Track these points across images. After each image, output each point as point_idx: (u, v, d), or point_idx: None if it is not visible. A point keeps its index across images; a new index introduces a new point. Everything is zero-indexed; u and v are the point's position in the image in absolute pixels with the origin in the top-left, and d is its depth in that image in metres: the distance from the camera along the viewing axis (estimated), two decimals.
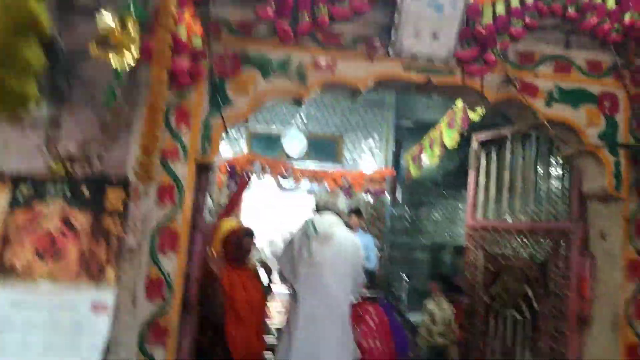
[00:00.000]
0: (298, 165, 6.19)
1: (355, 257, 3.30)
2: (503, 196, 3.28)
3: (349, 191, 6.25)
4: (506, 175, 3.28)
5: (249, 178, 6.05)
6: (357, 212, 5.60)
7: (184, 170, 2.10)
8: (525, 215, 3.10)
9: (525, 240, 3.01)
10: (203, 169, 2.26)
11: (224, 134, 2.21)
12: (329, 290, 3.21)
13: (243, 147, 6.33)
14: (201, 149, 2.13)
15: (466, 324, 3.67)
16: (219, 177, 6.02)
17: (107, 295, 1.96)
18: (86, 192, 2.02)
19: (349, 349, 3.32)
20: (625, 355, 2.32)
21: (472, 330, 3.35)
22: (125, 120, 2.06)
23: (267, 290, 3.33)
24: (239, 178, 6.08)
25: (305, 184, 6.32)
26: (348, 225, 5.09)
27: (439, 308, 4.82)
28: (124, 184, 2.03)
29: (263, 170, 6.15)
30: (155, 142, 1.58)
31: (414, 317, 7.52)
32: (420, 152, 5.16)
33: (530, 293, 2.91)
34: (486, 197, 3.46)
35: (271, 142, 6.38)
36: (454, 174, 9.06)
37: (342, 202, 3.46)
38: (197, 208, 2.27)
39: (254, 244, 3.23)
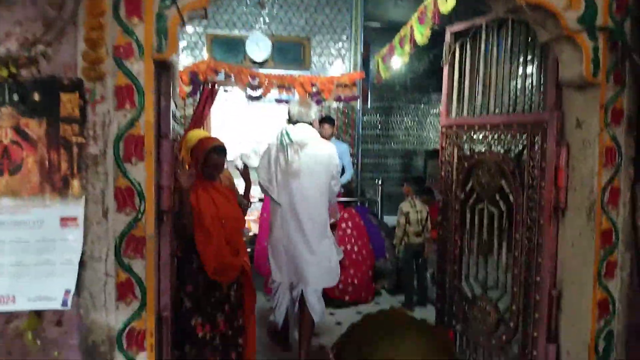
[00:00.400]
0: (264, 72, 5.94)
1: (330, 164, 3.41)
2: (478, 91, 3.20)
3: (318, 98, 6.07)
4: (481, 68, 3.18)
5: (214, 87, 5.79)
6: (328, 120, 5.49)
7: (141, 69, 1.91)
8: (500, 109, 3.05)
9: (500, 135, 2.98)
10: (163, 68, 2.07)
11: (181, 29, 2.00)
12: (307, 196, 3.26)
13: (204, 53, 5.99)
14: (157, 45, 1.92)
15: (441, 221, 3.75)
16: (181, 87, 5.74)
17: (75, 209, 1.85)
18: (37, 98, 1.83)
19: (333, 250, 3.46)
20: (600, 241, 2.39)
21: (447, 227, 3.41)
22: (71, 14, 1.82)
23: (243, 204, 3.18)
24: (202, 87, 5.82)
25: (274, 93, 6.11)
26: (321, 134, 5.07)
27: (414, 209, 4.91)
28: (78, 87, 1.84)
29: (228, 78, 5.88)
30: (102, 33, 1.40)
31: (389, 221, 7.77)
32: (391, 52, 4.97)
33: (505, 186, 2.93)
34: (461, 93, 3.37)
35: (233, 47, 6.05)
36: (423, 77, 8.93)
37: (315, 112, 3.51)
38: (161, 113, 2.12)
39: (225, 160, 3.01)
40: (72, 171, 1.84)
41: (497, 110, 3.06)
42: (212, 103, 5.81)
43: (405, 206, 4.93)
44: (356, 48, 6.25)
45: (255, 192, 4.03)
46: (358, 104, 6.33)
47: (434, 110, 8.96)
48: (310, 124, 3.45)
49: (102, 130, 1.90)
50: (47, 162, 1.83)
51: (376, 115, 8.81)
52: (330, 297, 4.40)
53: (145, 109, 1.93)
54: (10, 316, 1.88)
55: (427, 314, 4.64)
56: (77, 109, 1.84)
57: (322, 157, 3.37)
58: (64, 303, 1.77)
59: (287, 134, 3.33)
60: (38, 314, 1.88)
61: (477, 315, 3.17)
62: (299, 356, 3.37)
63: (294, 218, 3.27)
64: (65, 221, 1.83)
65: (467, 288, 3.25)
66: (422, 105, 8.99)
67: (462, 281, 3.30)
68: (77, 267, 1.82)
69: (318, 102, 6.08)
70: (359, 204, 5.76)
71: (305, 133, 3.35)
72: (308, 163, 3.30)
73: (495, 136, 3.01)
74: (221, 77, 5.83)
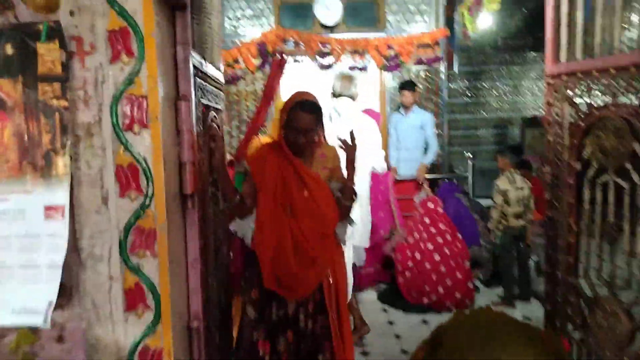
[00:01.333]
0: (335, 37, 5.34)
1: (374, 135, 3.58)
2: (597, 22, 2.37)
3: (396, 62, 5.38)
4: None
5: (283, 58, 5.31)
6: (408, 85, 4.83)
7: (138, 5, 1.42)
8: (630, 45, 2.23)
9: (631, 81, 2.17)
10: (177, 8, 1.58)
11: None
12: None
13: (271, 21, 5.50)
14: None
15: (550, 200, 2.99)
16: (249, 60, 5.32)
17: (60, 194, 1.41)
18: (10, 51, 1.40)
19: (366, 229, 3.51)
20: None
21: (558, 206, 2.66)
22: None
23: (342, 202, 2.27)
24: (272, 59, 5.35)
25: (347, 60, 5.50)
26: (402, 103, 4.46)
27: (513, 186, 4.11)
28: (57, 33, 1.39)
29: (297, 47, 5.36)
30: None
31: (483, 202, 6.93)
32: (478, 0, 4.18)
33: (639, 150, 2.14)
34: (572, 29, 2.55)
35: (302, 13, 5.50)
36: (517, 34, 7.85)
37: (355, 85, 3.57)
38: (178, 67, 1.63)
39: (316, 123, 2.19)
40: (55, 145, 1.40)
41: (625, 47, 2.24)
42: (281, 75, 5.35)
43: (502, 183, 4.13)
44: (437, 1, 5.44)
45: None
46: (442, 68, 5.54)
47: (532, 72, 7.87)
48: (352, 97, 3.55)
49: (95, 91, 1.44)
50: (26, 135, 1.41)
51: (464, 81, 7.89)
52: (422, 304, 3.86)
53: (147, 60, 1.44)
54: (3, 329, 1.51)
55: (531, 310, 3.89)
56: (59, 63, 1.39)
57: (366, 129, 3.47)
58: (45, 319, 1.35)
59: (336, 109, 3.51)
60: (32, 327, 1.49)
61: (602, 321, 2.40)
62: None
63: None
64: (50, 211, 1.41)
65: (587, 286, 2.48)
66: (517, 67, 7.93)
67: (579, 276, 2.55)
68: (60, 271, 1.39)
69: (396, 67, 5.39)
70: (446, 180, 5.05)
71: (349, 106, 3.51)
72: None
73: (623, 83, 2.22)
74: (290, 46, 5.33)
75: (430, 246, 3.91)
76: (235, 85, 5.50)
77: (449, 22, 6.13)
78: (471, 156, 4.80)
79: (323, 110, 2.22)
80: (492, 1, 3.91)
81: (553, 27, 2.52)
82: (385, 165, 3.79)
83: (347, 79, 3.61)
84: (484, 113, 7.87)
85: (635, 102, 2.13)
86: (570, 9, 2.45)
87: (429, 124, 4.83)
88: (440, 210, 4.10)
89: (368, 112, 4.13)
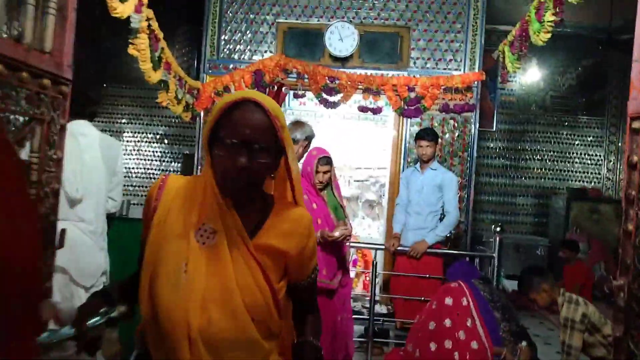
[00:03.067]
0: (346, 71, 4.51)
1: None
2: None
3: (417, 106, 4.47)
4: None
5: (280, 89, 4.50)
6: (426, 135, 3.91)
7: None
8: None
9: None
10: None
11: None
12: None
13: (273, 48, 4.73)
14: None
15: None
16: (242, 88, 4.52)
17: None
18: None
19: None
20: None
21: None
22: None
23: None
24: (268, 91, 4.55)
25: (357, 98, 4.65)
26: (419, 156, 3.58)
27: (591, 307, 2.87)
28: None
29: (300, 80, 4.55)
30: None
31: (508, 285, 5.75)
32: (523, 32, 3.26)
33: None
34: None
35: (311, 41, 4.72)
36: (569, 94, 6.85)
37: (301, 132, 3.23)
38: None
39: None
40: None
41: None
42: None
43: (583, 305, 2.85)
44: (475, 40, 4.54)
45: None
46: (473, 119, 4.58)
47: (583, 137, 6.81)
48: (295, 143, 3.15)
49: None
50: None
51: (503, 141, 6.90)
52: None
53: None
54: None
55: None
56: None
57: None
58: None
59: None
60: None
61: None
62: None
63: None
64: None
65: None
66: (566, 131, 6.91)
67: None
68: None
69: (416, 112, 4.48)
70: (467, 259, 3.98)
71: None
72: None
73: None
74: (293, 77, 4.54)
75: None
76: None
77: (491, 73, 5.27)
78: (499, 230, 3.72)
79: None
80: (542, 31, 2.96)
81: None
82: None
83: (296, 123, 3.39)
84: (524, 179, 6.80)
85: None
86: None
87: (449, 185, 3.81)
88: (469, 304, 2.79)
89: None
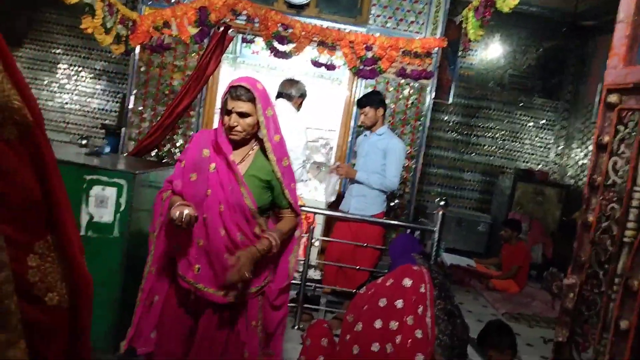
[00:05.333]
0: (301, 20, 4.15)
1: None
2: None
3: (373, 67, 4.19)
4: None
5: (227, 31, 4.09)
6: (371, 99, 3.65)
7: None
8: None
9: None
10: None
11: None
12: None
13: None
14: None
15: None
16: (184, 27, 4.10)
17: None
18: None
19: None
20: None
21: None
22: None
23: None
24: (213, 31, 4.15)
25: (310, 52, 4.31)
26: (364, 121, 3.25)
27: None
28: None
29: (250, 23, 4.15)
30: None
31: (450, 260, 5.71)
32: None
33: None
34: None
35: None
36: (527, 75, 6.74)
37: (296, 89, 3.53)
38: None
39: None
40: None
41: None
42: (221, 53, 4.13)
43: None
44: (440, 4, 4.25)
45: None
46: (430, 87, 4.35)
47: (536, 119, 6.77)
48: (290, 98, 3.51)
49: None
50: None
51: (457, 115, 6.76)
52: None
53: None
54: None
55: None
56: None
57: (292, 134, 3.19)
58: None
59: None
60: None
61: None
62: None
63: None
64: None
65: None
66: (520, 112, 6.85)
67: None
68: None
69: (372, 73, 4.20)
70: (408, 231, 3.82)
71: (282, 108, 3.40)
72: None
73: None
74: (241, 20, 4.13)
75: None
76: (162, 56, 4.26)
77: (452, 45, 5.03)
78: (443, 204, 3.56)
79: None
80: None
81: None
82: (302, 177, 3.57)
83: (291, 81, 3.59)
84: (473, 154, 6.72)
85: None
86: None
87: (392, 151, 3.57)
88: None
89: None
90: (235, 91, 1.89)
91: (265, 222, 2.05)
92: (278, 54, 4.14)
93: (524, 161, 6.78)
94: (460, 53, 5.82)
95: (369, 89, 4.16)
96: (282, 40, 4.09)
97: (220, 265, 1.90)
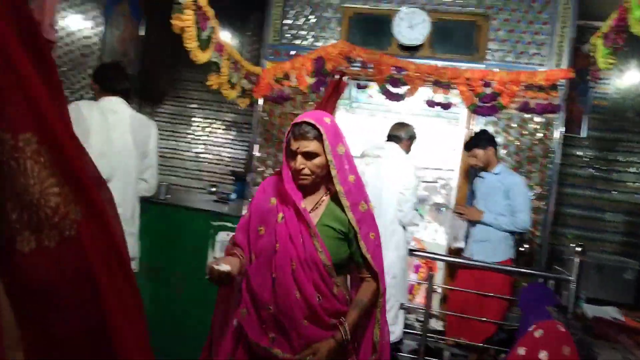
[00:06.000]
0: (415, 62, 4.13)
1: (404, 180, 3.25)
2: None
3: (493, 104, 4.01)
4: None
5: (341, 79, 4.21)
6: (480, 141, 3.49)
7: None
8: None
9: None
10: None
11: None
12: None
13: (337, 34, 4.43)
14: None
15: None
16: (302, 76, 4.30)
17: None
18: None
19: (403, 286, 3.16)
20: None
21: None
22: None
23: None
24: (329, 79, 4.30)
25: (424, 93, 4.26)
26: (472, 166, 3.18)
27: None
28: None
29: (364, 69, 4.25)
30: None
31: (592, 312, 5.09)
32: (620, 20, 2.75)
33: None
34: None
35: (378, 28, 4.38)
36: None
37: (406, 132, 3.55)
38: None
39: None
40: None
41: None
42: (336, 99, 4.24)
43: None
44: (564, 33, 3.97)
45: None
46: (558, 122, 4.03)
47: None
48: (399, 141, 3.52)
49: None
50: None
51: (592, 149, 6.16)
52: None
53: None
54: None
55: None
56: None
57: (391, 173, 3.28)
58: None
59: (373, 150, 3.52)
60: None
61: None
62: None
63: None
64: None
65: None
66: None
67: None
68: None
69: (491, 110, 4.01)
70: (541, 280, 3.49)
71: (392, 151, 3.45)
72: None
73: None
74: (356, 67, 4.24)
75: None
76: (282, 106, 4.50)
77: (582, 75, 4.66)
78: (579, 250, 3.20)
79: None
80: None
81: None
82: (414, 220, 3.39)
83: (400, 124, 3.59)
84: (615, 193, 6.03)
85: None
86: None
87: (516, 189, 3.34)
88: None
89: None
90: (298, 129, 1.65)
91: (343, 283, 1.79)
92: (392, 96, 4.15)
93: None
94: (591, 87, 5.35)
95: (489, 127, 3.98)
96: (396, 83, 4.10)
97: (297, 335, 1.65)
